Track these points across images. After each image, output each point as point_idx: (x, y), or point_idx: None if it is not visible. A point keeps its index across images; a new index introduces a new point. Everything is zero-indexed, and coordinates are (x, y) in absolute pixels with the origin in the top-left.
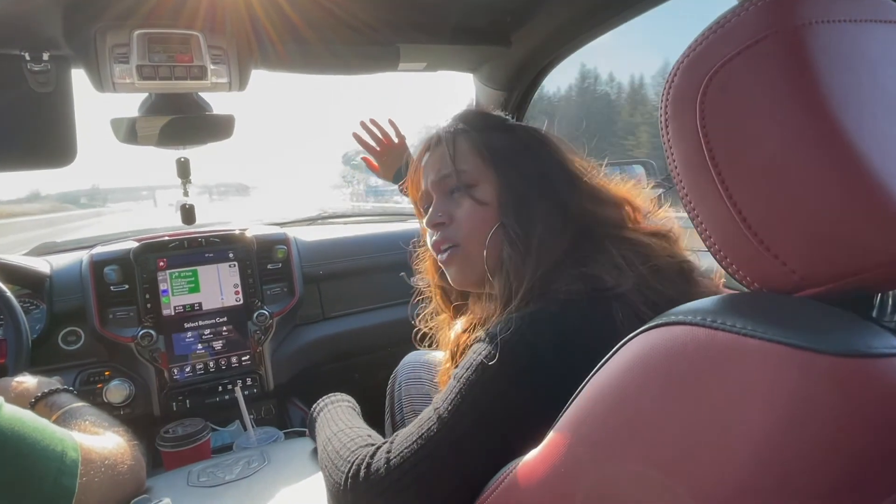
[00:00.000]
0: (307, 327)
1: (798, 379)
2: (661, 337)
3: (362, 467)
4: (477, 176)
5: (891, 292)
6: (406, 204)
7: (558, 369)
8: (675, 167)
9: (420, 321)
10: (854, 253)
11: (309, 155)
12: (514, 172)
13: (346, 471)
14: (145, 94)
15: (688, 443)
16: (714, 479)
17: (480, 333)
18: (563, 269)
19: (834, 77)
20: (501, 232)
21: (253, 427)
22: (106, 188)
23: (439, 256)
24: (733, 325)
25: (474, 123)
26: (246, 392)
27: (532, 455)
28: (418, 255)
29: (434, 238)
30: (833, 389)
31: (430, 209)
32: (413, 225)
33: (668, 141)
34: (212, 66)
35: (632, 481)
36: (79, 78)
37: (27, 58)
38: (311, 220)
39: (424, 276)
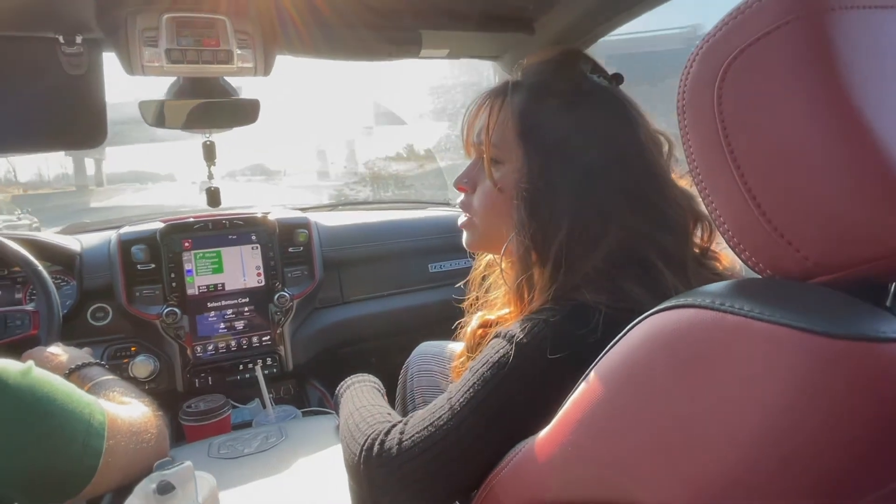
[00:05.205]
0: (327, 310)
1: (804, 361)
2: (669, 319)
3: (376, 443)
4: (504, 153)
5: None
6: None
7: (572, 377)
8: (692, 153)
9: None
10: (869, 239)
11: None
12: (543, 163)
13: (362, 443)
14: (173, 78)
15: (693, 422)
16: (718, 457)
17: (500, 330)
18: (592, 279)
19: (855, 64)
20: (515, 229)
21: (272, 405)
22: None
23: (459, 218)
24: (741, 308)
25: (536, 83)
26: (266, 371)
27: (541, 435)
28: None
29: (459, 198)
30: (839, 372)
31: (465, 168)
32: (433, 213)
33: (685, 127)
34: (238, 51)
35: (637, 461)
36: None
37: (61, 41)
38: (332, 206)
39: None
